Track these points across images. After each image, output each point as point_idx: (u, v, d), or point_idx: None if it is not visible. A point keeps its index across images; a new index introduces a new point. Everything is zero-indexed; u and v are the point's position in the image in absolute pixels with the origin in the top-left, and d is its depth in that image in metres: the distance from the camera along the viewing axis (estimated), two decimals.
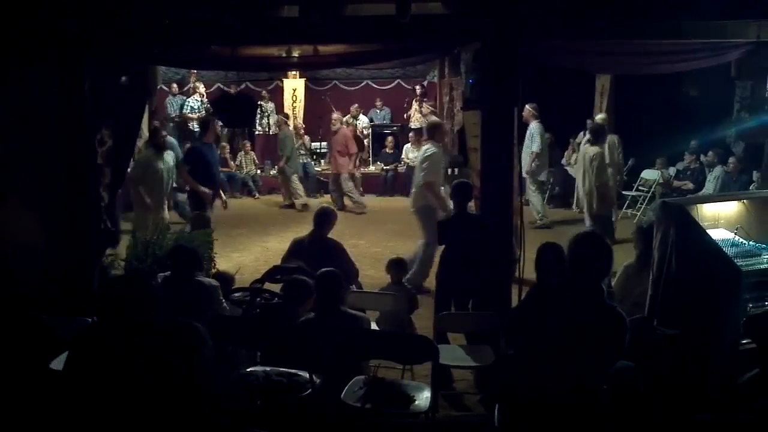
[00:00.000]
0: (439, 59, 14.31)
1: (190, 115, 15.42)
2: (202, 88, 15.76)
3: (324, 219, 7.08)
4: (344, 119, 14.85)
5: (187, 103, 15.52)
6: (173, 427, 3.31)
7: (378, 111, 17.02)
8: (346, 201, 13.94)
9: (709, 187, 12.07)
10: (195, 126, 15.43)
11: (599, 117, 11.92)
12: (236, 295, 6.17)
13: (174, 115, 15.70)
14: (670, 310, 5.11)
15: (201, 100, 15.53)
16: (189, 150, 9.89)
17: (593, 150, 9.51)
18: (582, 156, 9.96)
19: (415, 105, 16.40)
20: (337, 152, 13.97)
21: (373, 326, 5.82)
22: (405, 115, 16.57)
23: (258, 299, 5.95)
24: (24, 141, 6.44)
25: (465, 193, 6.94)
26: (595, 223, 9.41)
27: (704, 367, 4.86)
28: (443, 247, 6.92)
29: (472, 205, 7.18)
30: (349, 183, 14.05)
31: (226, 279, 6.77)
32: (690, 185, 12.67)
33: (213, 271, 7.79)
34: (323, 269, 5.45)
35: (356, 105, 16.52)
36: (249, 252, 10.60)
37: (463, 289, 6.65)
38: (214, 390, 4.05)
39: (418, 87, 16.81)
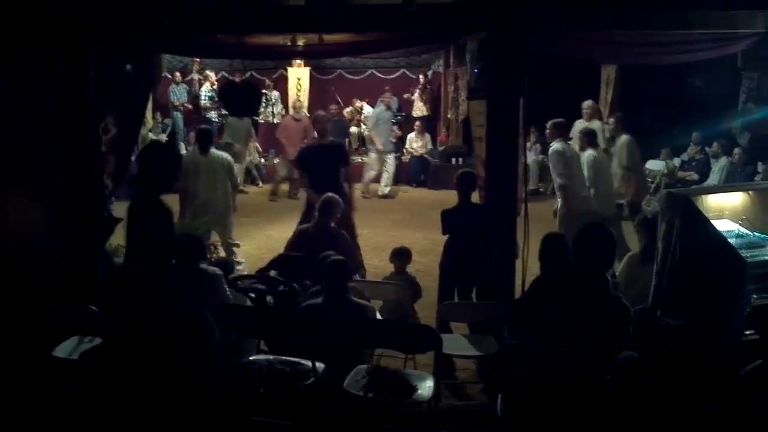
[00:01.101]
0: (445, 49, 14.31)
1: (209, 105, 15.45)
2: (213, 77, 15.78)
3: (329, 208, 7.08)
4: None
5: (202, 93, 15.60)
6: (177, 415, 3.31)
7: None
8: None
9: (713, 178, 12.06)
10: (214, 117, 15.47)
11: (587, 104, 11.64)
12: (241, 282, 6.17)
13: (178, 104, 15.71)
14: (674, 300, 5.10)
15: (213, 89, 15.56)
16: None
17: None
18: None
19: (417, 94, 16.46)
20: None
21: (377, 315, 5.83)
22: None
23: (263, 287, 5.96)
24: (28, 129, 6.43)
25: (469, 183, 6.93)
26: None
27: (708, 358, 4.85)
28: (447, 236, 6.92)
29: None
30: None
31: (224, 265, 6.77)
32: (695, 176, 12.65)
33: (213, 257, 7.82)
34: (332, 257, 5.46)
35: (356, 100, 16.71)
36: (253, 240, 10.60)
37: (467, 279, 6.65)
38: (218, 378, 4.06)
39: (421, 76, 16.81)
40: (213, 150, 8.70)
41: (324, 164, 8.22)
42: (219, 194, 8.50)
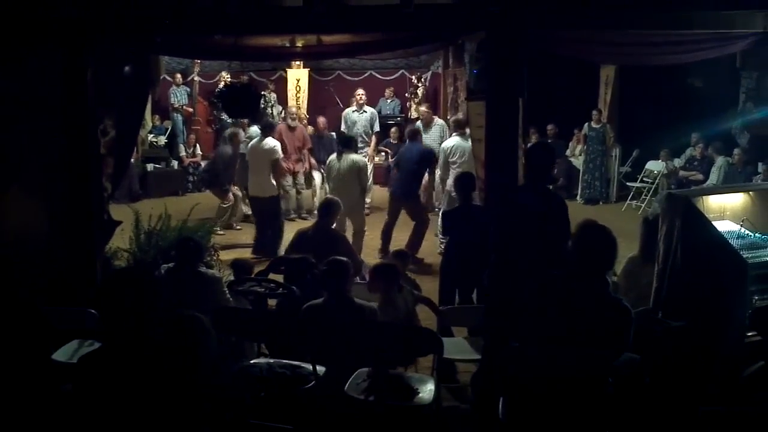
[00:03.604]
0: (443, 49, 14.28)
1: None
2: (228, 78, 15.60)
3: (328, 210, 7.06)
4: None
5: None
6: (177, 419, 3.30)
7: (387, 101, 16.94)
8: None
9: (712, 179, 12.09)
10: (228, 119, 15.30)
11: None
12: (243, 286, 6.15)
13: (178, 106, 15.69)
14: (676, 302, 5.09)
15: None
16: None
17: None
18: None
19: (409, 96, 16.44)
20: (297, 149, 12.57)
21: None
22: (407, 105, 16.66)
23: (263, 290, 5.94)
24: (26, 130, 6.42)
25: (469, 185, 6.91)
26: None
27: (709, 360, 4.84)
28: (447, 238, 6.90)
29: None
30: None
31: (244, 267, 6.75)
32: (699, 176, 12.65)
33: (217, 261, 7.80)
34: (332, 257, 5.43)
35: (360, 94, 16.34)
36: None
37: (467, 281, 6.62)
38: (217, 381, 4.04)
39: (414, 77, 16.79)
40: (347, 154, 9.55)
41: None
42: (346, 194, 8.92)
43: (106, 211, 7.00)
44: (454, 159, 9.55)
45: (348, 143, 9.88)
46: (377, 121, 14.01)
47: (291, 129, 12.53)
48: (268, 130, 10.46)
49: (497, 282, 5.60)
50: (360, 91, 13.98)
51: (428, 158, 10.06)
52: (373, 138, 13.68)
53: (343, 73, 17.81)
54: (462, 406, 5.76)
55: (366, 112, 13.67)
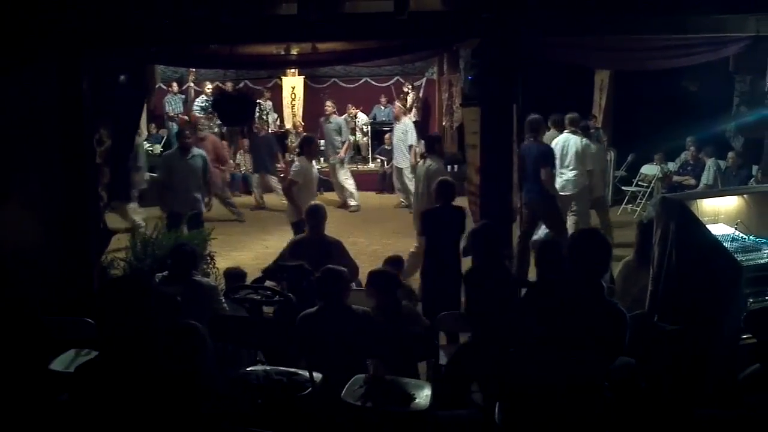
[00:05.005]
0: (438, 56, 14.32)
1: (201, 116, 15.12)
2: (207, 88, 15.55)
3: (314, 216, 7.02)
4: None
5: (196, 103, 15.42)
6: (172, 428, 3.30)
7: (382, 108, 16.95)
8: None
9: (703, 180, 12.16)
10: (206, 129, 15.23)
11: None
12: (239, 294, 6.14)
13: (173, 114, 15.68)
14: (671, 305, 5.09)
15: (207, 100, 15.33)
16: None
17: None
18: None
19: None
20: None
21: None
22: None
23: (260, 298, 5.93)
24: (22, 140, 6.42)
25: (450, 191, 6.89)
26: None
27: (705, 363, 4.84)
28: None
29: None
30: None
31: (238, 275, 6.76)
32: (692, 180, 12.69)
33: (213, 270, 7.80)
34: (327, 266, 5.43)
35: (351, 107, 16.62)
36: (249, 250, 10.59)
37: (446, 284, 6.58)
38: (214, 390, 4.04)
39: (407, 86, 16.80)
40: (426, 158, 9.19)
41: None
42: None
43: (102, 221, 7.00)
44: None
45: (429, 147, 9.28)
46: (345, 128, 14.75)
47: (200, 140, 11.28)
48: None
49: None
50: (328, 103, 14.86)
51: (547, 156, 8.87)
52: (345, 144, 14.38)
53: (339, 80, 17.85)
54: (459, 411, 5.76)
55: (331, 122, 14.46)
